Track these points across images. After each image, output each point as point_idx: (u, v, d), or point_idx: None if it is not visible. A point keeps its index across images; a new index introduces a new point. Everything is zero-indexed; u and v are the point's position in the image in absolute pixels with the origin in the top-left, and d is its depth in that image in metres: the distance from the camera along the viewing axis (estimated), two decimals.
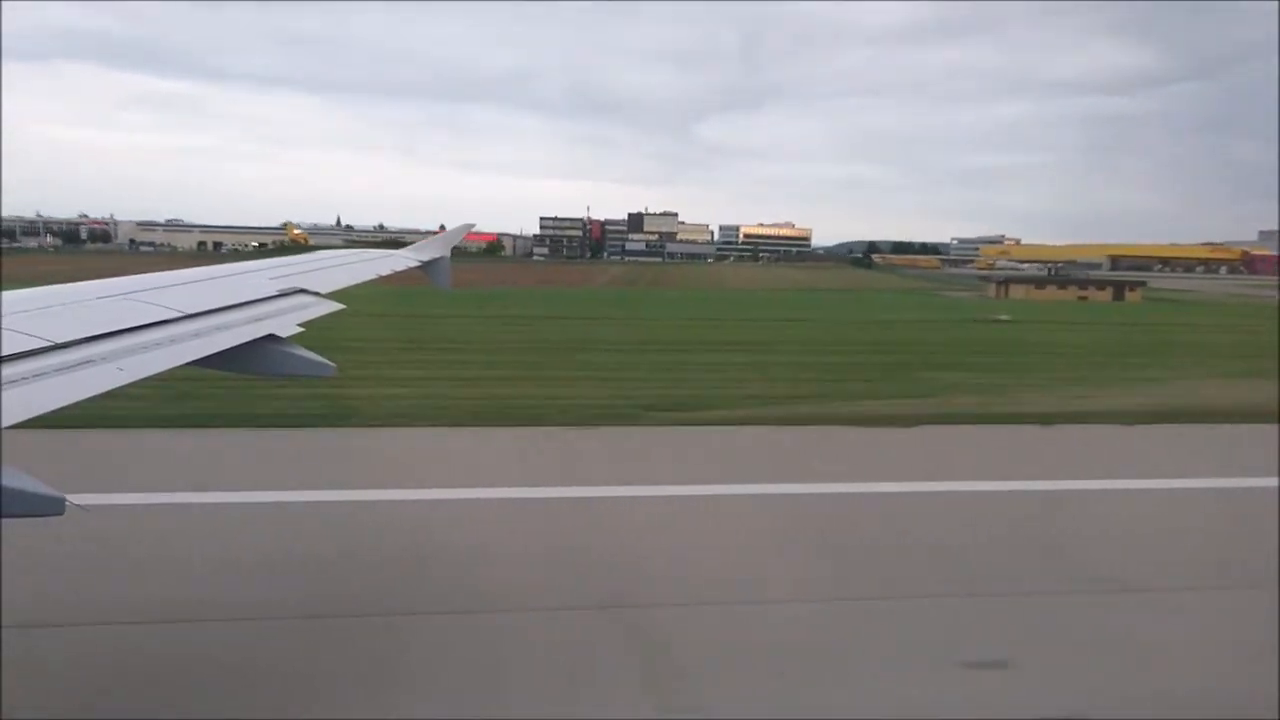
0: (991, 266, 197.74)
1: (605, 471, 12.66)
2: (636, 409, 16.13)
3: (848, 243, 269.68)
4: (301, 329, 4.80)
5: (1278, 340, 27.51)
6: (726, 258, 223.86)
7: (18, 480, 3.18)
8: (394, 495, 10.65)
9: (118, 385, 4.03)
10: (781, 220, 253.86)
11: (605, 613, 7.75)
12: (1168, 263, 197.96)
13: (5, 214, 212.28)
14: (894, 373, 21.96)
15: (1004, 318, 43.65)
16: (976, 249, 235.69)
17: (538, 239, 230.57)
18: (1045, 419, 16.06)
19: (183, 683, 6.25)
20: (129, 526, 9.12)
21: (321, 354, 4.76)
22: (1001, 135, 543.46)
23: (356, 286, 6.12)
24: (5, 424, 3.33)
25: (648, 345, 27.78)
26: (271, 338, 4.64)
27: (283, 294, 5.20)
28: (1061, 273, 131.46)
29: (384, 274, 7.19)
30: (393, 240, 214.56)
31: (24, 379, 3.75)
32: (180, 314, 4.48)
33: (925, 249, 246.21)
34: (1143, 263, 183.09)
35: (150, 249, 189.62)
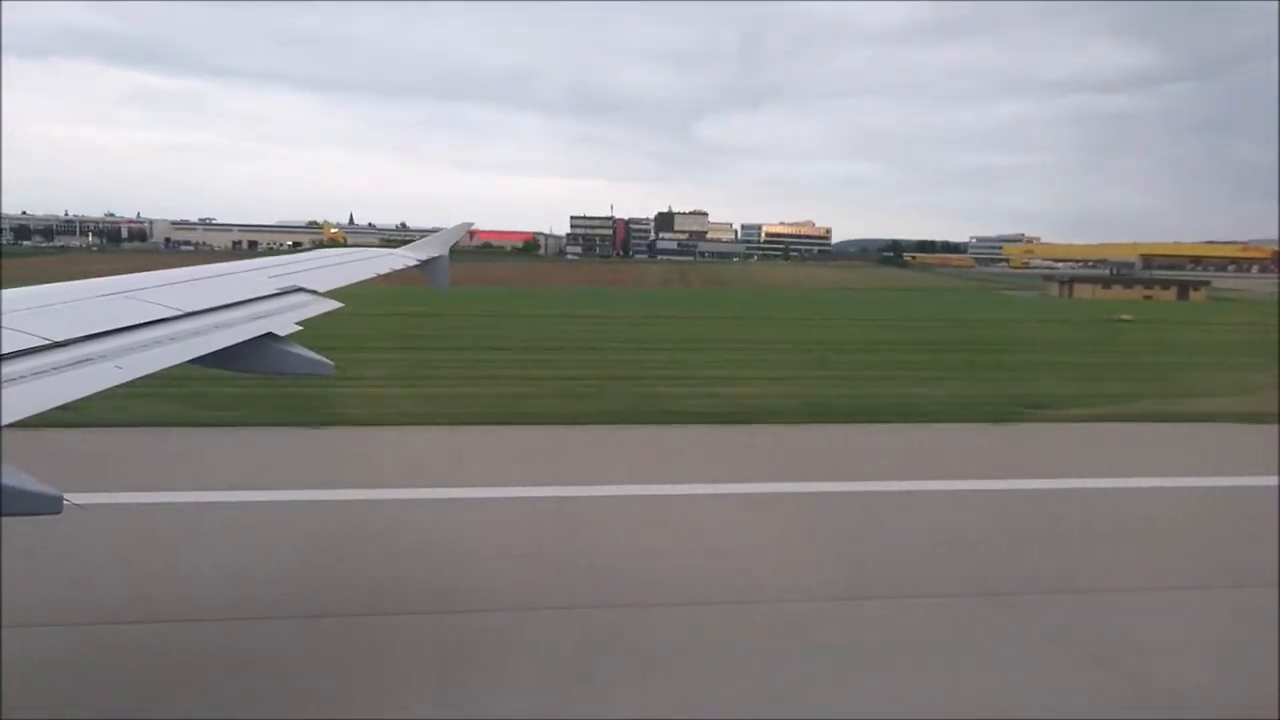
0: (1026, 265, 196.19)
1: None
2: (1020, 407, 17.59)
3: (853, 240, 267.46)
4: (300, 327, 4.80)
5: None
6: (751, 256, 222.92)
7: (16, 479, 3.18)
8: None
9: (116, 384, 4.05)
10: (803, 219, 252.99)
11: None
12: (1199, 262, 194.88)
13: (37, 213, 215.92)
14: (1167, 372, 23.25)
15: (1127, 317, 45.26)
16: (999, 247, 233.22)
17: (570, 238, 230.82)
18: None
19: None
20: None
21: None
22: (1001, 135, 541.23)
23: (356, 285, 6.13)
24: (5, 422, 3.34)
25: (875, 346, 29.35)
26: (270, 336, 4.64)
27: (282, 292, 5.22)
28: (1123, 273, 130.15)
29: (382, 273, 7.19)
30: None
31: (23, 377, 3.76)
32: (179, 312, 4.49)
33: (947, 247, 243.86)
34: (1175, 262, 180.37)
35: (190, 248, 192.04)
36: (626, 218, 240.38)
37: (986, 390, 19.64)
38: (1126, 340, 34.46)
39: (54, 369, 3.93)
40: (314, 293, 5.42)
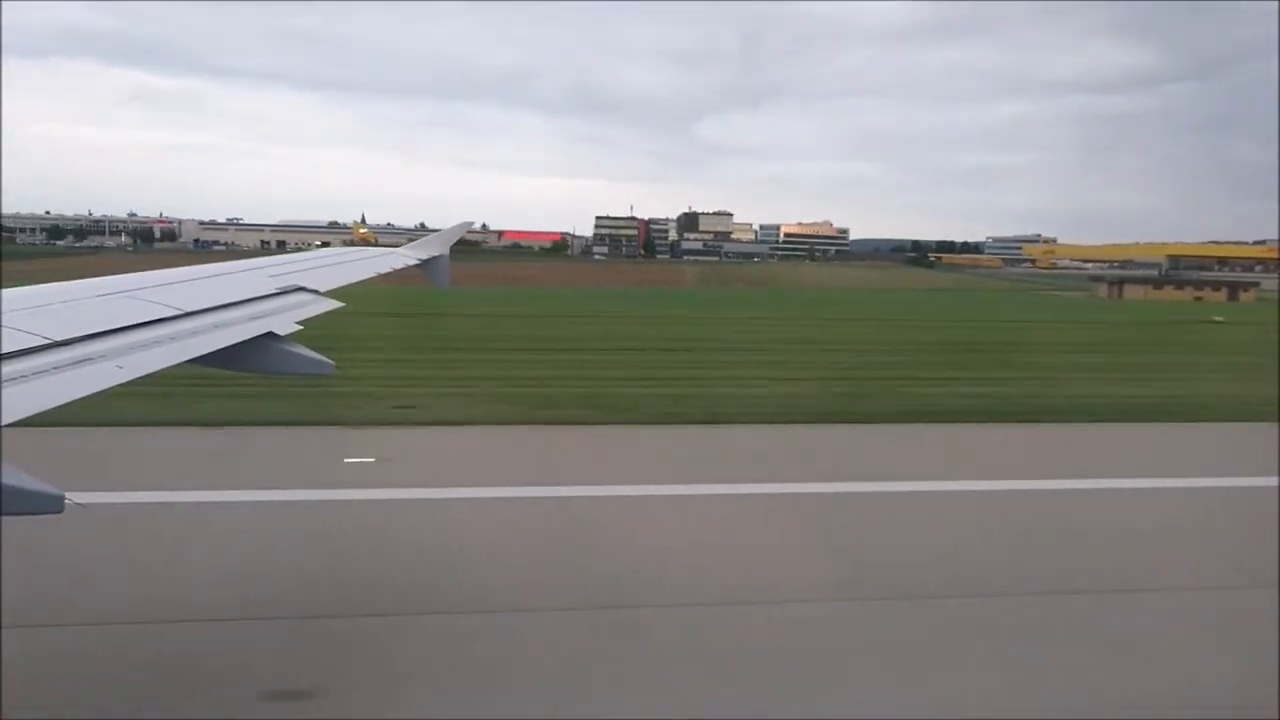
0: (1053, 266, 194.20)
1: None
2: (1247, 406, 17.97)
3: (863, 240, 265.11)
4: (300, 327, 4.79)
5: None
6: (772, 257, 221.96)
7: (17, 478, 3.18)
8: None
9: (117, 383, 4.05)
10: (820, 220, 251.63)
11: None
12: (1224, 262, 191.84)
13: (66, 213, 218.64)
14: None
15: (1219, 319, 45.67)
16: (1019, 248, 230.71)
17: (597, 238, 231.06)
18: None
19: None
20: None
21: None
22: (1002, 135, 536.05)
23: (357, 284, 6.12)
24: (5, 421, 3.34)
25: (1021, 347, 29.70)
26: (271, 335, 4.63)
27: (282, 292, 5.21)
28: (1173, 273, 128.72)
29: (383, 272, 7.18)
30: (461, 238, 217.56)
31: (24, 376, 3.76)
32: (179, 312, 4.48)
33: (966, 248, 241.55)
34: (1201, 263, 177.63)
35: (222, 248, 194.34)
36: (647, 218, 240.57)
37: (1202, 390, 20.23)
38: (1249, 341, 33.70)
39: (54, 368, 3.94)
40: (315, 292, 5.42)
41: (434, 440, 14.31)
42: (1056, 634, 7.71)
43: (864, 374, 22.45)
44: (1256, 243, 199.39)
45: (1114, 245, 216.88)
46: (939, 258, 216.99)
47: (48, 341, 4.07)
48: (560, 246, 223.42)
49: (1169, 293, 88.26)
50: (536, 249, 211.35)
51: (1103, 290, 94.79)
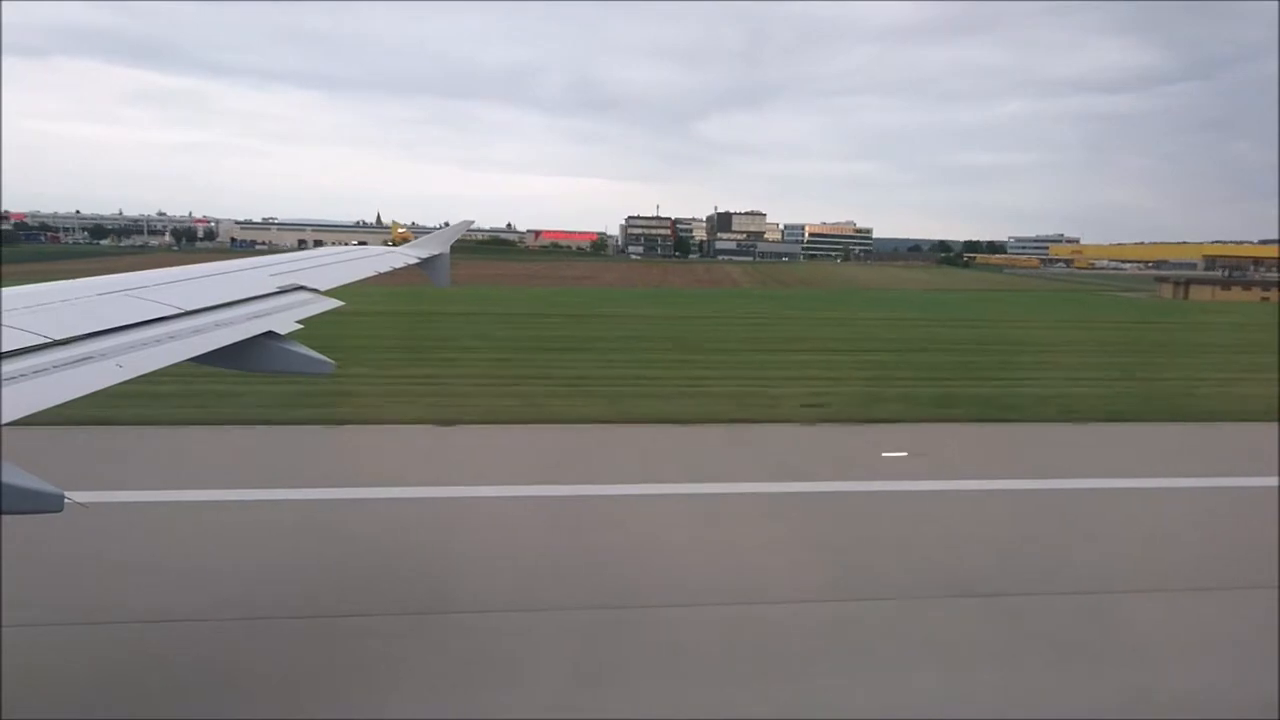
0: (1090, 266, 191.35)
1: None
2: None
3: (882, 240, 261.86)
4: (300, 326, 4.77)
5: None
6: (798, 257, 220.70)
7: (17, 477, 3.18)
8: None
9: (117, 382, 4.05)
10: (844, 220, 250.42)
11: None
12: (1260, 263, 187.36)
13: (100, 213, 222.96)
14: None
15: None
16: (1045, 248, 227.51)
17: (632, 238, 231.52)
18: None
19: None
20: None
21: None
22: (1004, 134, 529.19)
23: (357, 283, 6.10)
24: (5, 420, 3.34)
25: (1163, 348, 29.77)
26: (271, 334, 4.61)
27: (282, 291, 5.20)
28: (1237, 274, 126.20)
29: (383, 271, 7.16)
30: (497, 238, 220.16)
31: (24, 375, 3.76)
32: (179, 310, 4.48)
33: (991, 247, 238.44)
34: (1237, 263, 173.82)
35: (264, 246, 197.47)
36: (673, 217, 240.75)
37: None
38: None
39: (54, 367, 3.94)
40: (315, 291, 5.40)
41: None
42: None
43: (1089, 373, 22.59)
44: (1262, 242, 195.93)
45: (1149, 245, 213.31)
46: (972, 258, 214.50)
47: (48, 340, 4.08)
48: (599, 246, 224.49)
49: (1236, 293, 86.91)
50: (574, 249, 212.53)
51: (1167, 291, 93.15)
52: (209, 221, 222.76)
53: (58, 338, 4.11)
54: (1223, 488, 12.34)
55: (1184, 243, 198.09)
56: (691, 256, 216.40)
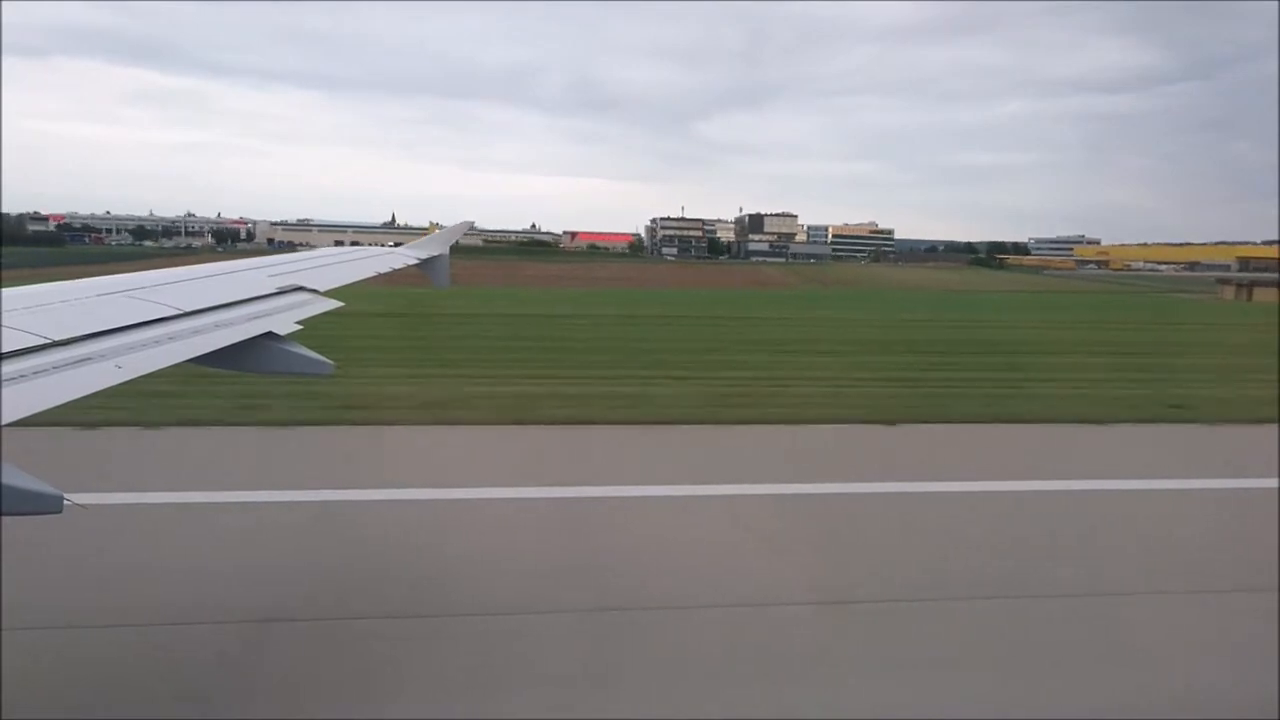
0: (1126, 268, 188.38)
1: None
2: None
3: (900, 240, 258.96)
4: (300, 326, 4.77)
5: None
6: (822, 258, 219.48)
7: (16, 478, 3.18)
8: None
9: (116, 383, 4.06)
10: (865, 220, 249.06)
11: None
12: None
13: (138, 214, 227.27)
14: None
15: None
16: (1069, 249, 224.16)
17: (666, 240, 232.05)
18: None
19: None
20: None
21: None
22: (1004, 134, 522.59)
23: (357, 284, 6.11)
24: (5, 421, 3.35)
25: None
26: (270, 335, 4.61)
27: (281, 291, 5.21)
28: None
29: (383, 272, 7.16)
30: (535, 239, 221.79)
31: (23, 376, 3.78)
32: (179, 311, 4.49)
33: (1016, 248, 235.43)
34: (1268, 264, 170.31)
35: (304, 247, 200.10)
36: (699, 218, 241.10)
37: None
38: None
39: (54, 368, 3.96)
40: (314, 291, 5.41)
41: None
42: None
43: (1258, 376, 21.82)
44: (1265, 243, 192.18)
45: (1179, 246, 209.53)
46: (1003, 259, 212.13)
47: (47, 341, 4.09)
48: (637, 248, 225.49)
49: None
50: (611, 250, 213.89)
51: (1229, 293, 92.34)
52: (246, 223, 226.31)
53: (57, 338, 4.13)
54: None
55: (1219, 244, 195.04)
56: (720, 258, 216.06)
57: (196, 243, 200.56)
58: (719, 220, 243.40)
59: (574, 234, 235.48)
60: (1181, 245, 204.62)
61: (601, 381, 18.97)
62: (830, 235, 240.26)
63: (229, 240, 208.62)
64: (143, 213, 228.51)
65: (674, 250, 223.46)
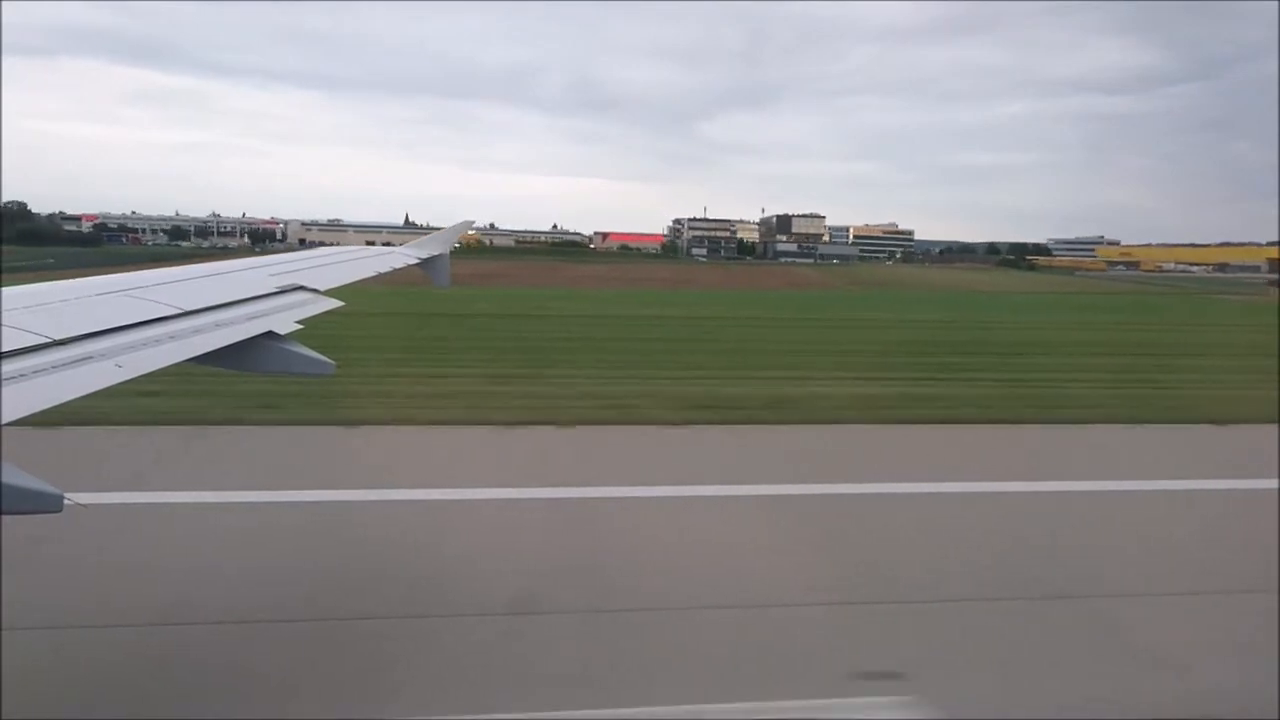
0: (1159, 269, 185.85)
1: None
2: None
3: (918, 240, 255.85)
4: (300, 326, 4.74)
5: None
6: (853, 258, 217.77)
7: (16, 477, 3.18)
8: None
9: (117, 382, 4.06)
10: (886, 221, 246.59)
11: None
12: None
13: (187, 214, 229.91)
14: None
15: None
16: (1091, 250, 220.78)
17: (696, 240, 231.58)
18: None
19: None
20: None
21: None
22: (1004, 134, 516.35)
23: (356, 284, 6.09)
24: (5, 420, 3.35)
25: None
26: (270, 335, 4.59)
27: (282, 291, 5.19)
28: None
29: (383, 271, 7.14)
30: (568, 240, 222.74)
31: (23, 375, 3.78)
32: (179, 310, 4.48)
33: (1038, 249, 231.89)
34: None
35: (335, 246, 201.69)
36: (725, 219, 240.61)
37: None
38: None
39: (54, 367, 3.96)
40: (314, 291, 5.39)
41: None
42: None
43: None
44: (1270, 244, 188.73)
45: (1204, 247, 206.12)
46: (1033, 260, 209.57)
47: (47, 340, 4.10)
48: (670, 249, 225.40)
49: None
50: (645, 251, 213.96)
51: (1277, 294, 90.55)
52: (277, 223, 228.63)
53: (57, 338, 4.13)
54: None
55: (1248, 244, 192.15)
56: (745, 258, 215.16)
57: (232, 243, 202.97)
58: (740, 220, 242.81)
59: (605, 235, 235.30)
60: (1215, 246, 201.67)
61: (899, 383, 19.85)
62: (851, 236, 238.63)
63: (265, 240, 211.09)
64: (169, 213, 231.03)
65: (703, 251, 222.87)
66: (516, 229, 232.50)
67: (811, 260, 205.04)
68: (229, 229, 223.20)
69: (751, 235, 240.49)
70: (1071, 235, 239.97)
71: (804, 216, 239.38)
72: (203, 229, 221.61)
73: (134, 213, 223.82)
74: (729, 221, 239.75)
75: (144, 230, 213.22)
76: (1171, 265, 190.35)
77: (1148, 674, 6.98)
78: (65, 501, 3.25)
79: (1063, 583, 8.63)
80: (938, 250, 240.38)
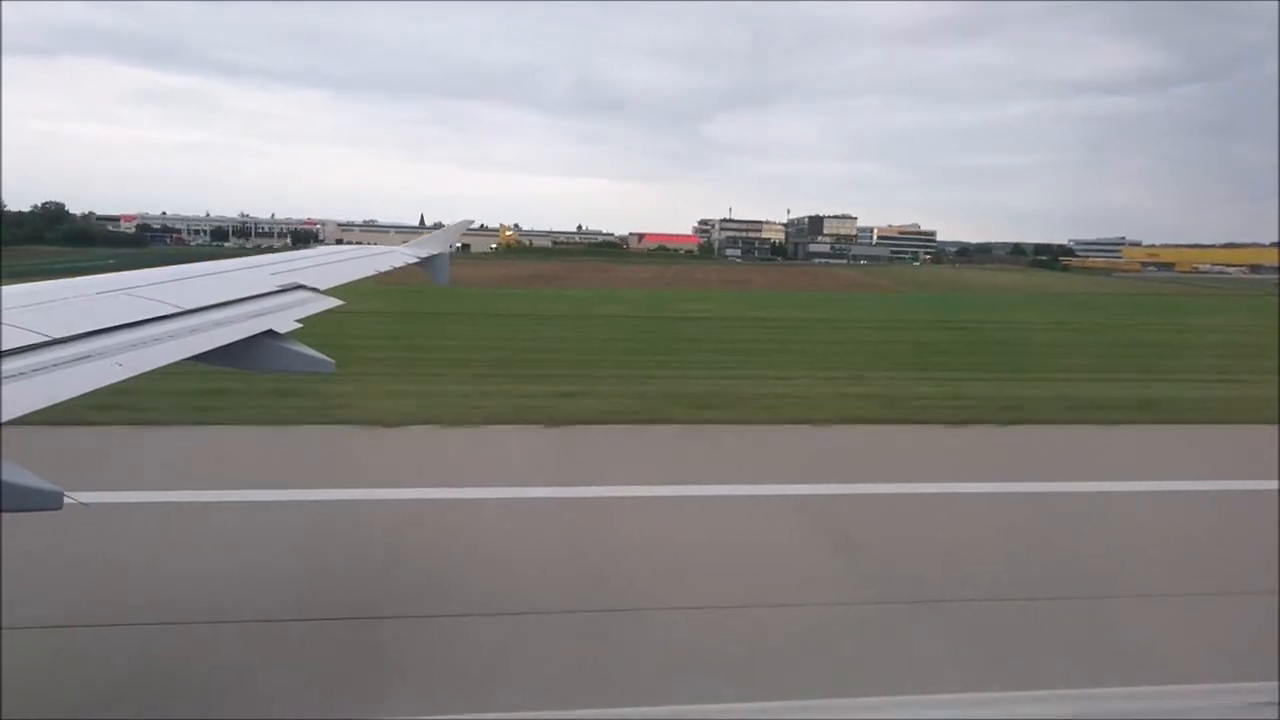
0: (1195, 269, 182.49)
1: None
2: None
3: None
4: (300, 324, 4.72)
5: None
6: (884, 258, 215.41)
7: (17, 475, 3.18)
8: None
9: (116, 380, 4.06)
10: (909, 222, 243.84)
11: None
12: None
13: (217, 215, 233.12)
14: None
15: None
16: (1118, 251, 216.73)
17: (730, 241, 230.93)
18: None
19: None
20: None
21: None
22: (1005, 135, 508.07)
23: (356, 282, 6.06)
24: (5, 418, 3.35)
25: None
26: (270, 333, 4.57)
27: (282, 289, 5.17)
28: None
29: (382, 270, 7.11)
30: (605, 241, 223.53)
31: (22, 374, 3.78)
32: (179, 309, 4.47)
33: (1062, 250, 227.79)
34: None
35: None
36: (758, 219, 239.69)
37: None
38: None
39: (53, 365, 3.96)
40: (314, 290, 5.37)
41: None
42: None
43: None
44: (1272, 244, 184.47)
45: (1226, 248, 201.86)
46: (1067, 261, 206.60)
47: (47, 339, 4.10)
48: (707, 250, 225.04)
49: None
50: (682, 251, 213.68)
51: None
52: (314, 224, 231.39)
53: (56, 336, 4.14)
54: None
55: (1252, 245, 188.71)
56: (776, 260, 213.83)
57: (277, 244, 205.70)
58: (766, 221, 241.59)
59: (640, 235, 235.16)
60: (1220, 247, 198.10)
61: (1122, 384, 19.96)
62: (875, 236, 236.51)
63: (308, 240, 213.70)
64: (199, 213, 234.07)
65: (737, 252, 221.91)
66: (539, 229, 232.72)
67: (845, 261, 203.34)
68: (266, 229, 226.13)
69: (777, 235, 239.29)
70: (1091, 236, 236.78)
71: (835, 218, 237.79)
72: (242, 229, 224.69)
73: (165, 213, 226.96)
74: (759, 223, 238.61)
75: (184, 230, 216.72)
76: (1207, 266, 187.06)
77: None
78: (65, 499, 3.25)
79: None
80: (954, 250, 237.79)
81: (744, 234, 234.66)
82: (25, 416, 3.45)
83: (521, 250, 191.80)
